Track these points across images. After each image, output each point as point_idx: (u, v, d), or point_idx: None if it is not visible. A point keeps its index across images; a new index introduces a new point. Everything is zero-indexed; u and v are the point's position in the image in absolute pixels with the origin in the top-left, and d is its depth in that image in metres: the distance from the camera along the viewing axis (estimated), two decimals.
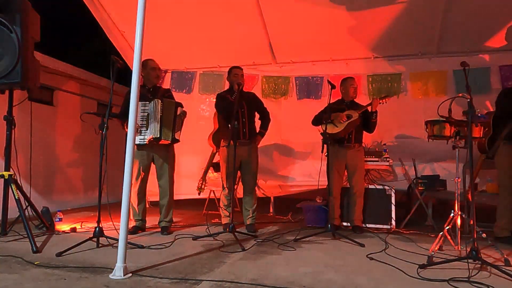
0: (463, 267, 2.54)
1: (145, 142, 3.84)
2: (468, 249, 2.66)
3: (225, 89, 4.39)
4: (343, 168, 4.28)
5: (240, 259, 2.99)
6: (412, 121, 5.02)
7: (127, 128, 3.81)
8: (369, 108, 4.19)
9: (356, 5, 4.50)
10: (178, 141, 4.03)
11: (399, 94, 5.23)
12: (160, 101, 3.85)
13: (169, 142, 3.93)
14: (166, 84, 5.90)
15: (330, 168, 4.00)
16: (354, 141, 4.25)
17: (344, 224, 4.38)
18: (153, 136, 3.80)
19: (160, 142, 3.89)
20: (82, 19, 6.70)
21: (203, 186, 5.09)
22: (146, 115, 3.85)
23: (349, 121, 4.12)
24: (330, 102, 4.04)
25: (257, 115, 4.35)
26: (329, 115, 4.10)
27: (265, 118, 4.35)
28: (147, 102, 3.87)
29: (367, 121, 4.23)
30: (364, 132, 4.38)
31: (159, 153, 4.01)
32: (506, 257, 2.85)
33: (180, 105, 4.03)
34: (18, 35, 3.42)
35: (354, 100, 4.37)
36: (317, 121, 4.32)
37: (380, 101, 4.17)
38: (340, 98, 4.37)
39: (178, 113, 3.96)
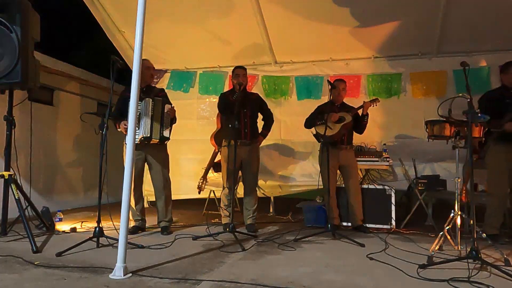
0: (463, 267, 2.54)
1: (137, 142, 3.83)
2: (468, 249, 2.66)
3: (225, 89, 4.40)
4: (336, 168, 4.30)
5: (240, 259, 2.99)
6: (412, 121, 5.02)
7: (118, 127, 3.83)
8: (360, 111, 4.24)
9: (356, 5, 4.50)
10: (167, 138, 3.98)
11: (399, 94, 5.23)
12: (151, 100, 3.84)
13: (158, 140, 3.90)
14: (166, 84, 5.89)
15: (329, 168, 4.02)
16: (346, 143, 4.29)
17: (344, 224, 4.39)
18: (143, 135, 3.79)
19: (151, 142, 3.87)
20: (82, 19, 6.70)
21: (203, 185, 5.09)
22: (138, 114, 3.84)
23: (343, 123, 4.14)
24: (321, 104, 4.06)
25: (260, 116, 4.36)
26: (323, 116, 4.14)
27: (269, 119, 4.37)
28: (139, 102, 3.85)
29: (358, 123, 4.28)
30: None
31: (152, 154, 3.99)
32: (506, 257, 2.85)
33: (168, 102, 4.02)
34: (18, 35, 3.42)
35: (344, 101, 4.43)
36: (309, 124, 4.37)
37: (371, 104, 4.21)
38: (331, 99, 4.34)
39: (165, 110, 3.94)
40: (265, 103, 4.41)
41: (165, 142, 4.04)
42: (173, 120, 4.05)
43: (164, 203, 4.05)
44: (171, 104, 4.03)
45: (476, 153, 3.94)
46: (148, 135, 3.79)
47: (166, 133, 3.95)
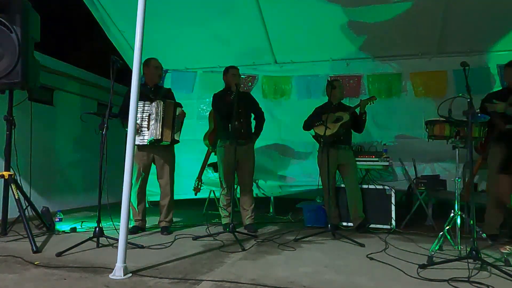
0: (463, 267, 2.54)
1: (146, 143, 3.85)
2: (468, 249, 2.66)
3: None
4: (335, 168, 4.31)
5: (240, 259, 2.99)
6: (412, 121, 5.03)
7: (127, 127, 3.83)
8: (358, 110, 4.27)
9: (356, 5, 4.49)
10: (178, 141, 4.05)
11: (399, 94, 5.23)
12: (162, 102, 3.86)
13: (169, 143, 3.94)
14: (166, 84, 5.89)
15: (328, 168, 4.02)
16: (345, 142, 4.30)
17: (344, 224, 4.39)
18: (155, 138, 3.81)
19: (161, 143, 3.89)
20: (82, 19, 6.71)
21: (199, 186, 5.09)
22: (147, 115, 3.86)
23: (341, 122, 4.15)
24: (319, 106, 4.15)
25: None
26: (321, 117, 4.17)
27: (261, 118, 4.38)
28: (148, 102, 3.87)
29: (356, 121, 4.30)
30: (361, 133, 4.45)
31: (160, 154, 4.01)
32: (506, 257, 2.85)
33: (179, 105, 4.05)
34: (18, 35, 3.42)
35: (341, 101, 4.46)
36: (308, 125, 4.40)
37: (368, 102, 4.24)
38: (327, 101, 4.34)
39: (177, 113, 3.97)
40: (256, 102, 4.41)
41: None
42: (182, 122, 4.07)
43: (168, 203, 4.06)
44: (181, 106, 4.05)
45: (478, 153, 3.98)
46: (159, 138, 3.81)
47: (177, 136, 3.98)
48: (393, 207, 4.29)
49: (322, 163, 4.14)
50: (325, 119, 3.99)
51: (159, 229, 4.05)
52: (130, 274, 2.52)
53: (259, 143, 4.59)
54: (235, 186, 4.14)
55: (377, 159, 4.55)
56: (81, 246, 3.13)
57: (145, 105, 3.86)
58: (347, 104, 4.59)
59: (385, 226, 4.28)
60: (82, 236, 3.36)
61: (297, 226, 4.42)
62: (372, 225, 4.30)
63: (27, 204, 3.69)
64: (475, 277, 2.45)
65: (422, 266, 2.70)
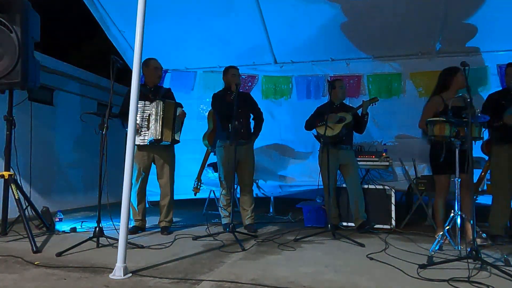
0: (463, 267, 2.54)
1: (146, 143, 3.85)
2: (468, 249, 2.66)
3: None
4: (336, 168, 4.32)
5: (240, 259, 2.99)
6: (412, 121, 5.00)
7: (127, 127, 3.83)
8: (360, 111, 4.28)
9: (357, 5, 4.49)
10: (178, 142, 4.05)
11: (399, 94, 5.23)
12: (162, 102, 3.86)
13: (169, 143, 3.94)
14: (166, 84, 5.90)
15: (329, 168, 4.02)
16: (346, 143, 4.30)
17: (344, 224, 4.39)
18: (155, 138, 3.82)
19: (161, 143, 3.90)
20: (82, 19, 6.71)
21: (198, 186, 5.10)
22: (147, 115, 3.86)
23: (344, 123, 4.15)
24: (320, 105, 4.14)
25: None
26: (323, 117, 4.16)
27: (260, 119, 4.38)
28: (148, 102, 3.88)
29: (358, 122, 4.31)
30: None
31: (160, 154, 4.01)
32: (506, 257, 2.85)
33: (180, 105, 4.05)
34: (18, 35, 3.42)
35: (343, 102, 4.47)
36: (309, 125, 4.40)
37: (370, 103, 4.26)
38: (329, 100, 4.33)
39: (177, 113, 3.97)
40: (255, 102, 4.42)
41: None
42: (182, 123, 4.08)
43: (168, 203, 4.06)
44: (182, 106, 4.05)
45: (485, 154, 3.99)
46: (159, 138, 3.82)
47: (177, 137, 3.99)
48: (393, 207, 4.29)
49: (323, 163, 4.14)
50: (326, 119, 3.99)
51: (159, 229, 4.05)
52: (130, 274, 2.52)
53: (259, 143, 4.60)
54: (235, 186, 4.15)
55: (377, 159, 4.55)
56: (81, 246, 3.14)
57: (145, 105, 3.87)
58: (347, 104, 4.59)
59: (385, 226, 4.28)
60: (82, 236, 3.36)
61: (297, 226, 4.42)
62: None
63: (27, 204, 3.69)
64: (475, 277, 2.46)
65: (422, 266, 2.70)
